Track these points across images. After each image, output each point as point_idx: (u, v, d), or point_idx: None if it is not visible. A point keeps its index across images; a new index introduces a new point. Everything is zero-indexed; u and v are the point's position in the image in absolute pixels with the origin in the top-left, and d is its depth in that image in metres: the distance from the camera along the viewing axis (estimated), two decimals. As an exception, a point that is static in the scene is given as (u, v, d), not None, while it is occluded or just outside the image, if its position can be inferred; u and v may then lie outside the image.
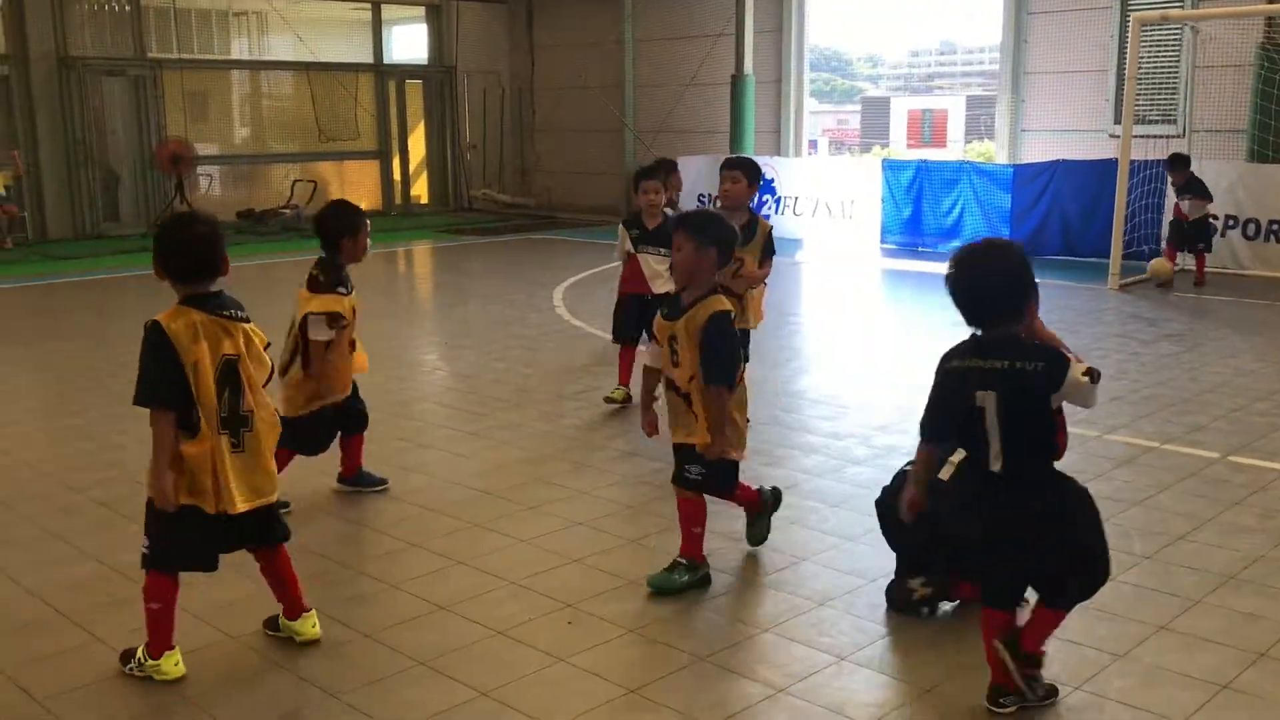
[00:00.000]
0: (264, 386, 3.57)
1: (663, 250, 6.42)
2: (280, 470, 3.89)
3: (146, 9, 16.99)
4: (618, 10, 18.73)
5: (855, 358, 8.54)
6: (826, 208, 15.21)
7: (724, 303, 4.03)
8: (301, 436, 4.94)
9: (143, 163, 16.88)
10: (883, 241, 14.59)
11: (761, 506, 4.51)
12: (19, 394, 7.51)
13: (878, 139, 52.80)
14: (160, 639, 3.53)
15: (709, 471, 4.12)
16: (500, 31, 20.58)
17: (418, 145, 20.49)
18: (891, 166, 14.73)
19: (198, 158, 16.88)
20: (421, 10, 20.13)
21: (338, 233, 4.95)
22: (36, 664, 3.65)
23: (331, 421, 5.11)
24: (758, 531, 4.55)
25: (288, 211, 17.17)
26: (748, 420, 4.29)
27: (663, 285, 6.46)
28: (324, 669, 3.63)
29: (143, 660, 3.54)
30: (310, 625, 3.78)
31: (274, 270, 13.95)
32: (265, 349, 3.58)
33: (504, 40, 20.57)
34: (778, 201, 15.51)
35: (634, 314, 6.79)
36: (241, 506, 3.46)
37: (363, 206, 18.21)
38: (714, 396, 4.00)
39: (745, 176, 6.02)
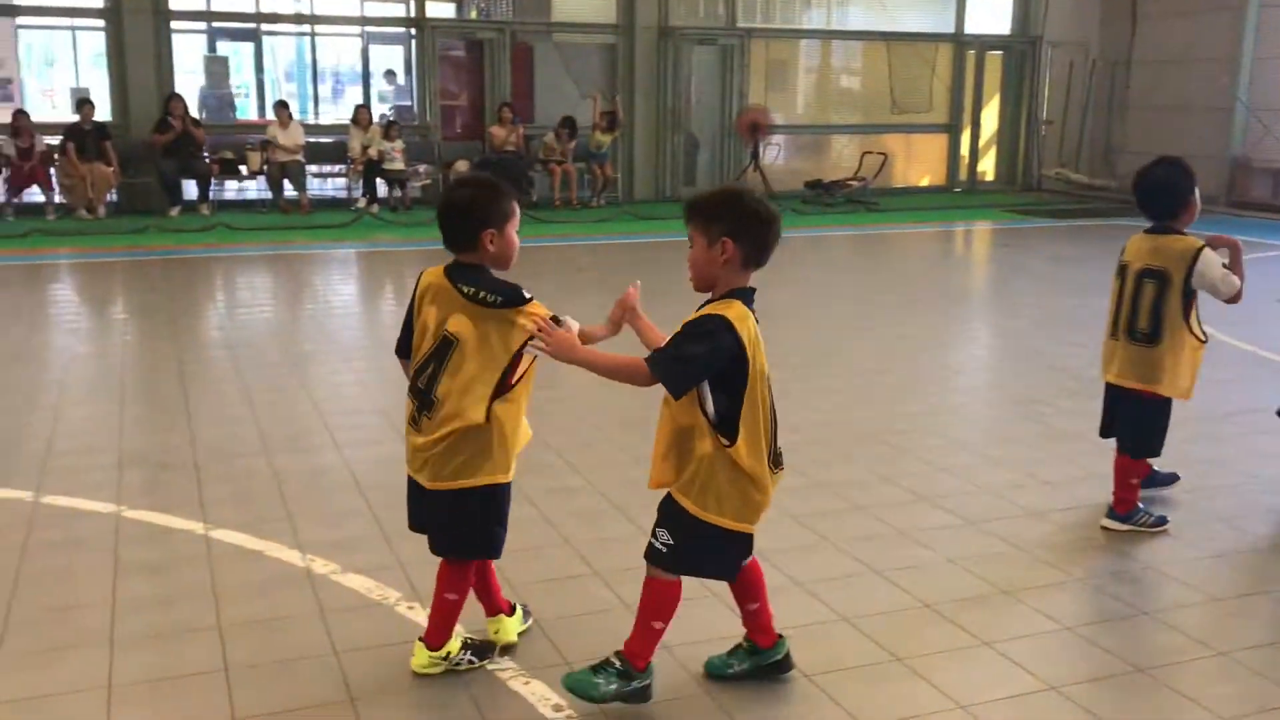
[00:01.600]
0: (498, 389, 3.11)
1: None
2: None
3: (740, -21, 17.52)
4: (1243, -27, 16.49)
5: None
6: None
7: (737, 308, 2.98)
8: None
9: (722, 129, 17.50)
10: None
11: (776, 645, 3.31)
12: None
13: None
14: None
15: (682, 543, 3.06)
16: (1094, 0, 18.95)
17: (989, 120, 19.51)
18: None
19: (774, 126, 17.17)
20: (1010, -23, 19.05)
21: (1190, 189, 4.43)
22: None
23: None
24: (740, 665, 3.32)
25: (855, 184, 17.02)
26: (767, 486, 3.05)
27: None
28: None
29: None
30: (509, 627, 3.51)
31: (827, 242, 13.83)
32: (527, 365, 3.16)
33: (1097, 8, 18.91)
34: None
35: None
36: (411, 472, 3.26)
37: (925, 182, 17.70)
38: (634, 367, 2.98)
39: None
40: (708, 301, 3.06)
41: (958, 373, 7.32)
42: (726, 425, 2.98)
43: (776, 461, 3.10)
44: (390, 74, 21.87)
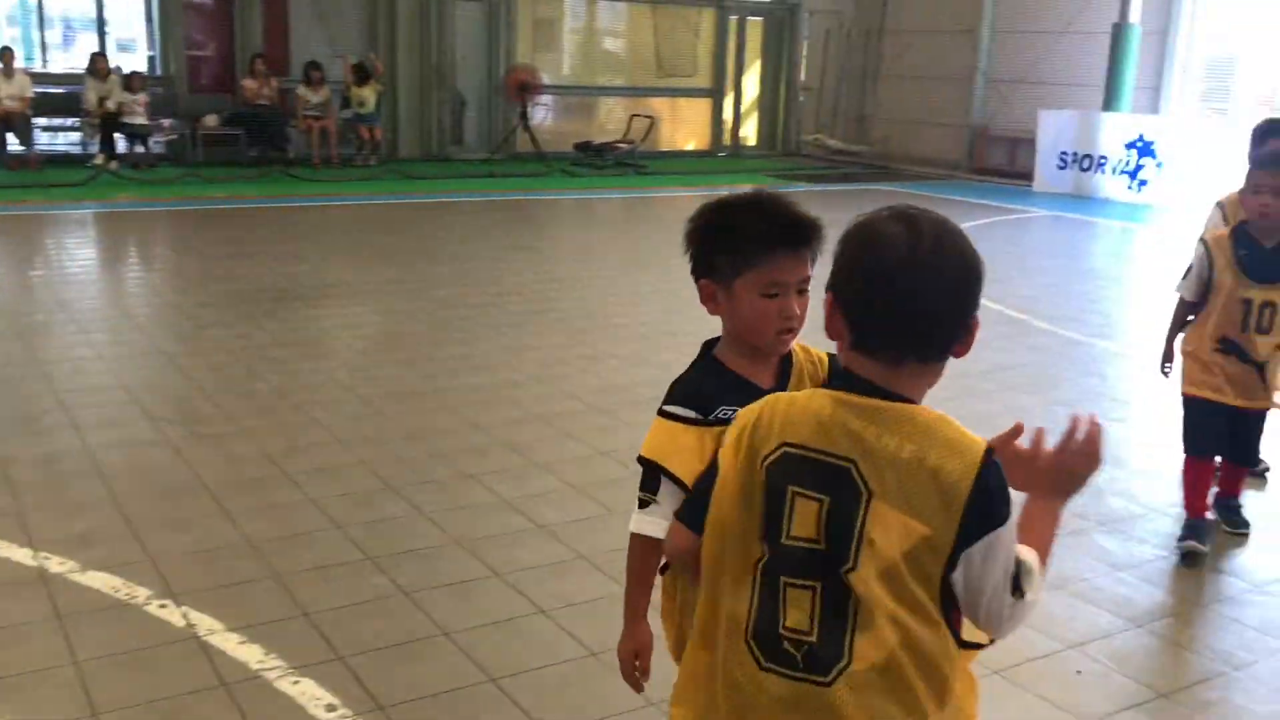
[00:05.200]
0: None
1: None
2: None
3: (505, -65, 17.13)
4: (983, -51, 17.38)
5: None
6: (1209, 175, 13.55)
7: None
8: None
9: (489, 89, 17.15)
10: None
11: None
12: (406, 317, 7.48)
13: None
14: None
15: None
16: (849, -31, 19.60)
17: (751, 85, 19.93)
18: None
19: (543, 87, 16.96)
20: (769, -56, 19.45)
21: None
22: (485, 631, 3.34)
23: None
24: None
25: (624, 146, 17.04)
26: None
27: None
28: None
29: None
30: None
31: (598, 205, 13.81)
32: None
33: (851, -22, 19.58)
34: (1159, 167, 13.97)
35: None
36: None
37: (691, 145, 17.81)
38: None
39: None
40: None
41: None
42: None
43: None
44: None
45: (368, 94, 15.21)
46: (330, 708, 2.93)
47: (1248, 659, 3.40)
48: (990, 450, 1.55)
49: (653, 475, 1.97)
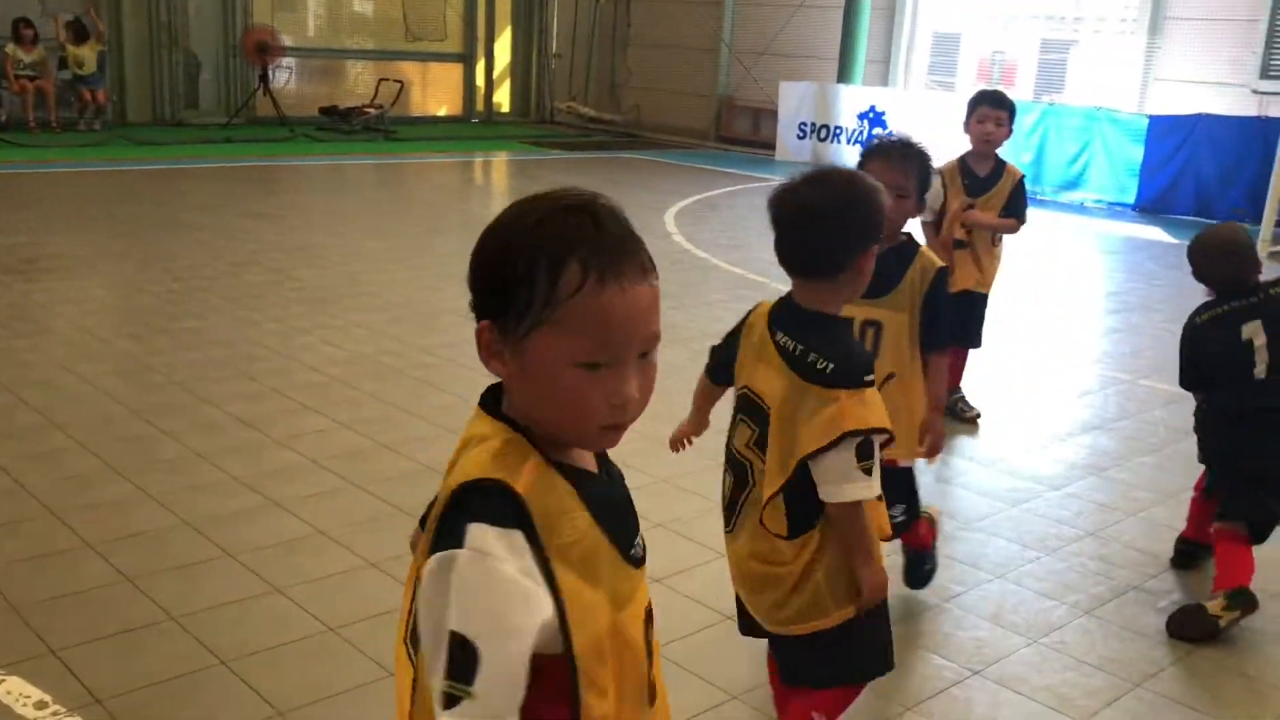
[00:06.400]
0: None
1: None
2: None
3: (238, -113, 16.27)
4: (724, -78, 17.80)
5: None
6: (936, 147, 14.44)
7: None
8: None
9: (225, 49, 16.30)
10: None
11: None
12: (134, 290, 7.05)
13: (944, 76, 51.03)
14: None
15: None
16: (596, -64, 19.67)
17: (503, 51, 19.75)
18: (1011, 108, 13.89)
19: (285, 48, 16.26)
20: (516, -92, 19.26)
21: None
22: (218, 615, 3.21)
23: None
24: None
25: (372, 111, 16.56)
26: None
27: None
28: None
29: None
30: None
31: (346, 171, 13.43)
32: None
33: (599, -55, 19.66)
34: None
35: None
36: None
37: (443, 111, 17.32)
38: None
39: (1010, 121, 5.18)
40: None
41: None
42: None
43: None
44: None
45: (86, 53, 14.15)
46: (40, 705, 2.75)
47: (957, 590, 3.68)
48: (480, 481, 1.27)
49: (870, 444, 2.25)
